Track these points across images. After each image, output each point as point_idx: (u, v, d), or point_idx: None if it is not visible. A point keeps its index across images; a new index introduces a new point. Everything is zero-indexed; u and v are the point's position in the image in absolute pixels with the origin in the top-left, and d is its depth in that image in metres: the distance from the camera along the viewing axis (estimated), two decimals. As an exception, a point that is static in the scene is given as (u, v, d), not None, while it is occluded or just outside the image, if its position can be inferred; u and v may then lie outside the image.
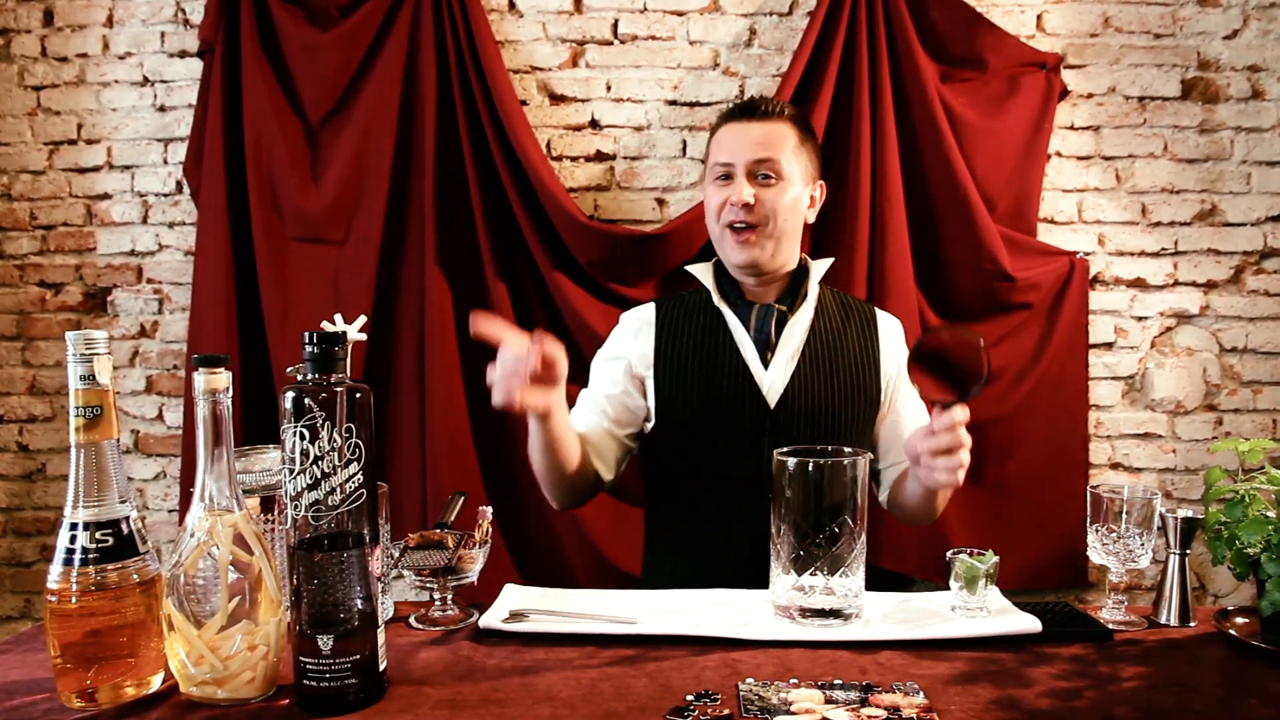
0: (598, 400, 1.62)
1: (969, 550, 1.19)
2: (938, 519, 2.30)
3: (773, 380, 1.56)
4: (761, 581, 1.29)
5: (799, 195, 1.60)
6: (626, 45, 2.43)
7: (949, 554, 1.20)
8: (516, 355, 1.23)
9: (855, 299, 1.72)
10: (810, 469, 1.14)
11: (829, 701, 0.94)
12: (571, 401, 1.66)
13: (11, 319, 2.52)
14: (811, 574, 1.14)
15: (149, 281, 2.50)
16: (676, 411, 1.59)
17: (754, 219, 1.55)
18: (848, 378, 1.58)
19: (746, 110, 1.61)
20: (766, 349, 1.59)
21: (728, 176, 1.58)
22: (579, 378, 1.66)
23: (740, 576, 1.33)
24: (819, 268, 1.67)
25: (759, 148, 1.56)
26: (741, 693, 0.96)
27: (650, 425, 1.63)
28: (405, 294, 2.36)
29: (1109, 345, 2.46)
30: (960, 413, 1.23)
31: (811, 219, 1.66)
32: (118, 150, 2.47)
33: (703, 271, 1.67)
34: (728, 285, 1.65)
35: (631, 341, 1.65)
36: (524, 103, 2.40)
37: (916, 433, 1.31)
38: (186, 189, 2.43)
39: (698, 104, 2.42)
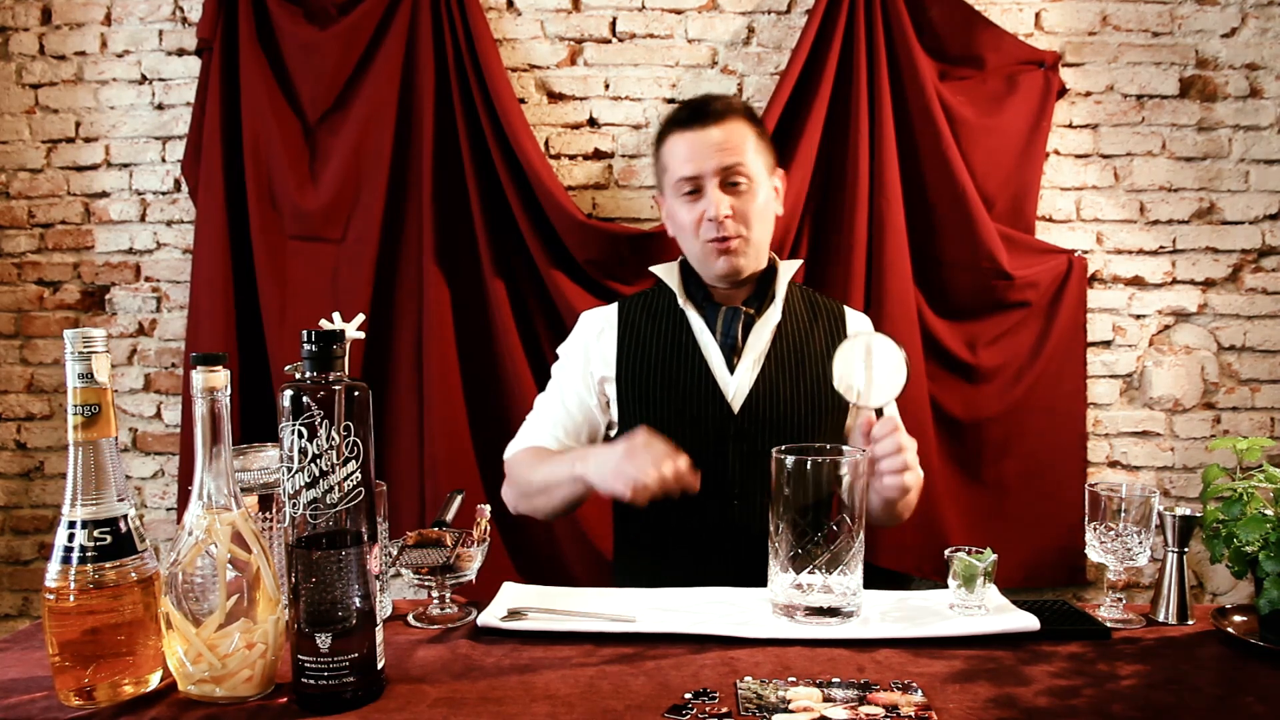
0: (563, 417, 1.62)
1: (967, 548, 1.20)
2: (934, 517, 2.32)
3: (738, 385, 1.54)
4: (728, 585, 1.30)
5: (768, 193, 1.56)
6: (625, 43, 2.43)
7: (947, 552, 1.21)
8: (681, 474, 1.30)
9: (825, 297, 1.68)
10: (809, 467, 1.14)
11: (827, 700, 0.94)
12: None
13: (10, 317, 2.52)
14: (810, 572, 1.14)
15: (147, 280, 2.50)
16: (639, 416, 1.56)
17: (735, 229, 1.51)
18: (813, 381, 1.55)
19: (699, 114, 1.52)
20: (733, 353, 1.56)
21: (696, 190, 1.52)
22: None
23: (708, 580, 1.33)
24: (787, 268, 1.63)
25: (724, 153, 1.50)
26: (740, 691, 0.96)
27: (615, 431, 1.61)
28: (403, 292, 2.36)
29: (1107, 343, 2.46)
30: (892, 417, 1.25)
31: (780, 211, 1.63)
32: (116, 148, 2.47)
33: (667, 272, 1.63)
34: (694, 287, 1.61)
35: (594, 344, 1.62)
36: (522, 101, 2.40)
37: (857, 434, 1.31)
38: (184, 187, 2.43)
39: (696, 102, 2.42)
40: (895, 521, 1.52)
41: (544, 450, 1.59)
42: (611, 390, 1.60)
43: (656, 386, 1.55)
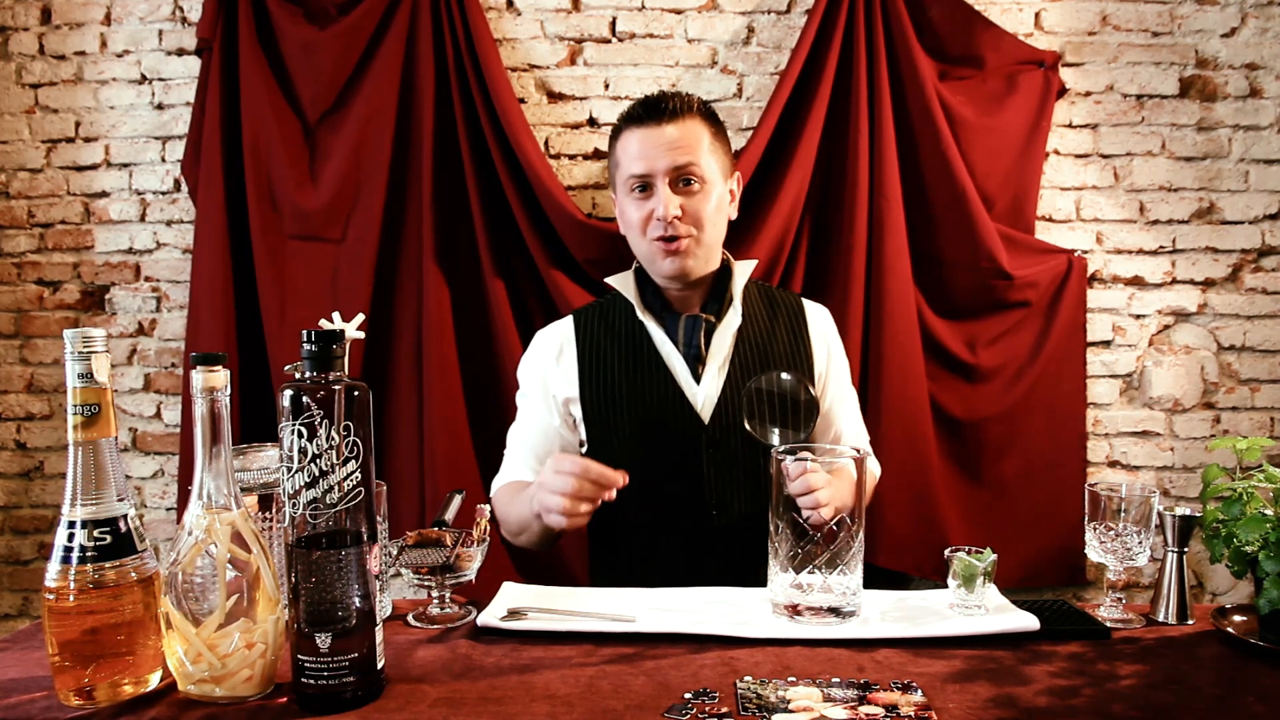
0: (535, 445, 1.58)
1: (967, 548, 1.20)
2: (934, 517, 2.32)
3: (706, 394, 1.52)
4: None
5: (722, 195, 1.54)
6: (625, 43, 2.43)
7: (947, 552, 1.21)
8: (592, 472, 1.22)
9: (782, 292, 1.67)
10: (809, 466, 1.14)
11: (827, 700, 0.94)
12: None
13: (9, 317, 2.52)
14: (810, 572, 1.14)
15: (147, 279, 2.50)
16: (609, 432, 1.54)
17: (684, 230, 1.48)
18: None
19: (654, 111, 1.50)
20: (697, 361, 1.54)
21: (646, 188, 1.50)
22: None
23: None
24: (742, 270, 1.61)
25: (676, 152, 1.47)
26: (739, 691, 0.96)
27: (585, 449, 1.58)
28: (403, 292, 2.36)
29: (1107, 343, 2.46)
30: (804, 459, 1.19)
31: (734, 215, 1.61)
32: (116, 148, 2.47)
33: (623, 282, 1.61)
34: (650, 295, 1.59)
35: (553, 366, 1.59)
36: (522, 101, 2.40)
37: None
38: (184, 187, 2.43)
39: (696, 102, 2.42)
40: None
41: (520, 484, 1.53)
42: (577, 410, 1.57)
43: (623, 403, 1.53)
